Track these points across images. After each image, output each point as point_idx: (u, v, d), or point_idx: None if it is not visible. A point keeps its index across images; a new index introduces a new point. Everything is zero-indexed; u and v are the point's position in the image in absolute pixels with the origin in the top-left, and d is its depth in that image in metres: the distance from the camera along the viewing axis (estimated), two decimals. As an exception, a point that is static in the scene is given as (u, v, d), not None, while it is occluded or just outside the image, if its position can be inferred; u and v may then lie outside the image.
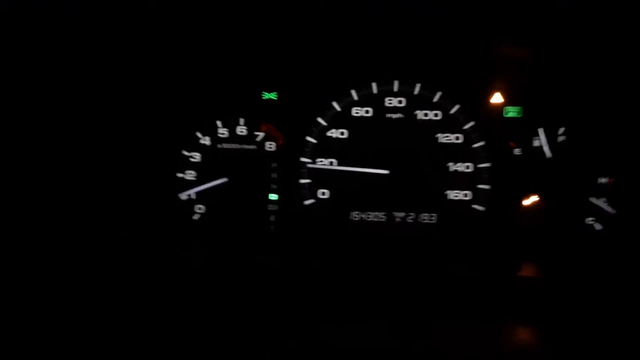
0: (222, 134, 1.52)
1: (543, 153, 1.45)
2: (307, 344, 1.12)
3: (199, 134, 1.52)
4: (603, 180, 1.43)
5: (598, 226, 1.43)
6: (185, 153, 1.52)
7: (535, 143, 1.45)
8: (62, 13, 1.30)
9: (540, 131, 1.45)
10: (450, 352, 1.10)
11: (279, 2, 1.34)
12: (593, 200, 1.43)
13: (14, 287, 1.25)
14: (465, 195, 1.45)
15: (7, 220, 1.35)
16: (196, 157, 1.52)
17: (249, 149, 1.51)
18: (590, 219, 1.44)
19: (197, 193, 1.51)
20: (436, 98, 1.46)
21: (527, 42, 1.42)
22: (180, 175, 1.52)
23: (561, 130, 1.45)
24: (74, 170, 1.45)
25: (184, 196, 1.51)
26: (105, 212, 1.46)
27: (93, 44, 1.40)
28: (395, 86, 1.47)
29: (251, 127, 1.52)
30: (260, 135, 1.52)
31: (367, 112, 1.48)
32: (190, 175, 1.52)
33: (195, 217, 1.52)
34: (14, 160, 1.38)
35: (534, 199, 1.45)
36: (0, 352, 1.04)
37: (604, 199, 1.43)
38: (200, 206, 1.52)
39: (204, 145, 1.52)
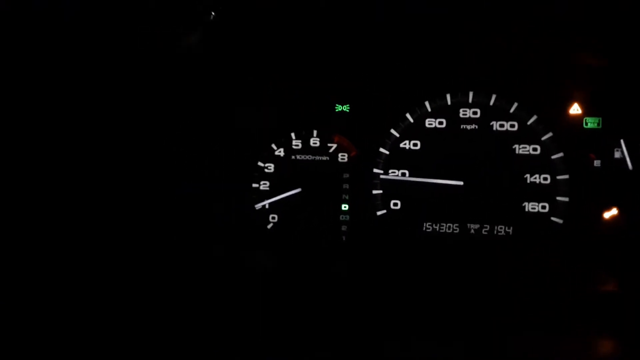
0: (296, 145, 1.55)
1: (625, 165, 1.41)
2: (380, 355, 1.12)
3: (273, 146, 1.56)
4: (688, 193, 1.38)
5: (683, 241, 1.38)
6: (261, 164, 1.56)
7: (617, 155, 1.42)
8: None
9: (622, 142, 1.41)
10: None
11: (354, 16, 1.37)
12: (678, 213, 1.38)
13: (69, 291, 1.31)
14: (543, 207, 1.43)
15: (72, 226, 1.42)
16: (270, 167, 1.56)
17: (321, 160, 1.54)
18: (675, 233, 1.38)
19: (271, 203, 1.55)
20: (512, 109, 1.44)
21: (606, 51, 1.39)
22: (255, 185, 1.56)
23: (643, 141, 1.41)
24: (154, 182, 1.52)
25: (258, 206, 1.55)
26: (187, 222, 1.51)
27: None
28: (470, 97, 1.47)
29: (324, 138, 1.54)
30: (333, 146, 1.54)
31: (440, 123, 1.48)
32: (264, 185, 1.56)
33: (269, 226, 1.56)
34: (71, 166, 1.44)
35: (614, 212, 1.41)
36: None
37: (690, 213, 1.37)
38: (274, 215, 1.56)
39: (278, 156, 1.56)
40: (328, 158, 1.54)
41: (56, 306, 1.25)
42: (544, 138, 1.43)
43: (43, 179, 1.39)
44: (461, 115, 1.47)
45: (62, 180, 1.41)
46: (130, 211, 1.48)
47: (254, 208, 1.56)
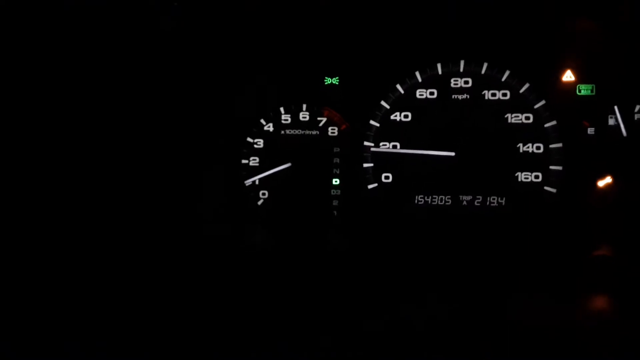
0: (285, 120, 1.52)
1: (618, 132, 1.39)
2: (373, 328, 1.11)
3: (262, 121, 1.53)
4: (683, 159, 1.36)
5: (678, 207, 1.36)
6: (250, 140, 1.54)
7: (610, 122, 1.39)
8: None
9: (616, 109, 1.39)
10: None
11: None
12: (673, 180, 1.36)
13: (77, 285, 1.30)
14: (536, 176, 1.41)
15: (72, 220, 1.41)
16: (260, 143, 1.54)
17: (311, 135, 1.52)
18: (670, 199, 1.37)
19: (261, 179, 1.53)
20: (504, 77, 1.41)
21: (599, 16, 1.36)
22: (244, 161, 1.54)
23: (637, 107, 1.38)
24: (143, 159, 1.49)
25: (248, 182, 1.53)
26: (174, 200, 1.49)
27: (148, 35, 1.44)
28: (461, 66, 1.44)
29: (313, 112, 1.52)
30: (323, 120, 1.52)
31: (431, 93, 1.45)
32: (254, 161, 1.54)
33: (259, 202, 1.54)
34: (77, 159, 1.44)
35: (608, 180, 1.39)
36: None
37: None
38: (264, 191, 1.54)
39: (268, 131, 1.53)
40: (318, 132, 1.51)
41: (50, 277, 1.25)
42: (536, 106, 1.41)
43: (34, 166, 1.38)
44: (452, 85, 1.44)
45: (49, 161, 1.40)
46: (120, 192, 1.46)
47: (244, 184, 1.54)
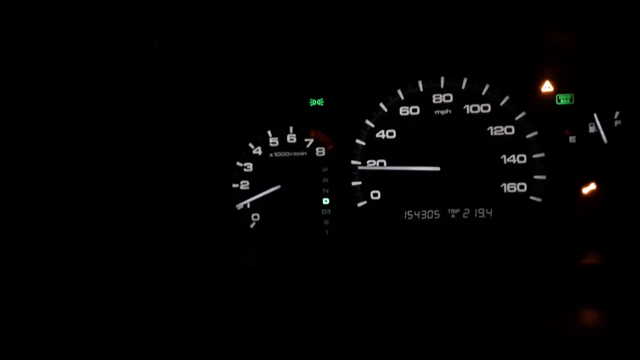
0: (273, 143, 1.55)
1: (599, 139, 1.41)
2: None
3: (251, 145, 1.56)
4: (665, 162, 1.38)
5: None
6: (239, 164, 1.56)
7: (591, 129, 1.42)
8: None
9: (595, 117, 1.41)
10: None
11: (323, 6, 1.36)
12: (656, 184, 1.38)
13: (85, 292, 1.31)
14: (521, 187, 1.43)
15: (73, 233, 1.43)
16: (249, 167, 1.56)
17: (299, 156, 1.54)
18: (654, 203, 1.39)
19: (252, 202, 1.56)
20: (484, 91, 1.44)
21: (574, 26, 1.39)
22: (235, 185, 1.56)
23: (617, 114, 1.41)
24: (133, 186, 1.51)
25: (240, 206, 1.56)
26: (167, 226, 1.51)
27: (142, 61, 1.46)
28: (442, 82, 1.47)
29: (300, 134, 1.54)
30: (310, 141, 1.54)
31: (414, 110, 1.48)
32: (244, 185, 1.56)
33: (252, 225, 1.56)
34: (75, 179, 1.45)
35: (592, 186, 1.42)
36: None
37: (668, 182, 1.38)
38: (256, 214, 1.56)
39: (256, 155, 1.56)
40: (306, 153, 1.54)
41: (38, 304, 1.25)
42: (517, 118, 1.43)
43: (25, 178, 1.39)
44: (434, 101, 1.47)
45: (42, 170, 1.41)
46: (112, 216, 1.48)
47: (236, 208, 1.56)
